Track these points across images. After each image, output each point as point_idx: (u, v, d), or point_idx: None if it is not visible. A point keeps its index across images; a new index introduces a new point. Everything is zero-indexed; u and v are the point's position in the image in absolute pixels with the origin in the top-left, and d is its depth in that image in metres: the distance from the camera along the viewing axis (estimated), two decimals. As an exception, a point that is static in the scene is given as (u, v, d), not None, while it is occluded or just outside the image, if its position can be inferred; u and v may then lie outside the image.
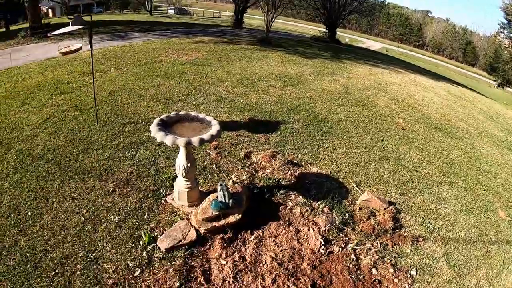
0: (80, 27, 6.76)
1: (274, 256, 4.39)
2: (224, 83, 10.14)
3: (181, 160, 4.54)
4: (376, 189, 5.94)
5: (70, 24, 6.53)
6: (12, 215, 4.94)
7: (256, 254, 4.41)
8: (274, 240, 4.62)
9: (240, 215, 4.58)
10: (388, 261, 4.53)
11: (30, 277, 4.16)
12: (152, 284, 3.99)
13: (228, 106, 8.38)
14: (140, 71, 10.81)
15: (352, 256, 4.52)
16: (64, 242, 4.53)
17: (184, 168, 4.52)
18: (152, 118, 7.40)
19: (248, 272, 4.21)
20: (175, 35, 18.32)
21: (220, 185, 4.60)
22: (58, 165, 5.89)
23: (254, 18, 42.74)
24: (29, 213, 4.96)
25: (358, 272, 4.36)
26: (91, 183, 5.45)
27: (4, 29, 19.63)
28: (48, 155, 6.13)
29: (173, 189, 5.12)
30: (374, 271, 4.37)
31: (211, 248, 4.43)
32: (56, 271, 4.18)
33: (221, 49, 15.28)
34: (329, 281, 4.23)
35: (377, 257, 4.55)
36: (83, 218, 4.85)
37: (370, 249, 4.65)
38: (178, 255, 4.25)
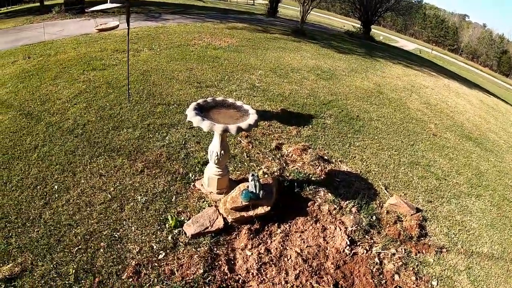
0: (118, 4, 6.75)
1: (299, 251, 4.31)
2: (257, 72, 10.03)
3: (214, 146, 4.47)
4: (404, 194, 5.78)
5: (109, 1, 6.50)
6: (39, 187, 4.98)
7: (281, 248, 4.34)
8: (300, 235, 4.54)
9: (269, 207, 4.49)
10: (411, 268, 4.41)
11: (52, 250, 4.18)
12: (175, 269, 3.96)
13: (261, 95, 8.28)
14: (173, 53, 10.80)
15: (376, 259, 4.42)
16: (89, 218, 4.54)
17: (217, 155, 4.46)
18: (184, 101, 7.38)
19: (272, 265, 4.15)
20: (209, 19, 18.25)
21: (252, 175, 4.52)
22: (87, 141, 5.92)
23: (288, 8, 42.23)
24: (56, 187, 4.99)
25: (381, 276, 4.26)
26: (120, 162, 5.45)
27: (38, 4, 19.88)
28: (77, 130, 6.17)
29: (202, 175, 5.08)
30: (396, 277, 4.26)
31: (237, 238, 4.38)
32: (80, 247, 4.20)
33: (255, 37, 15.15)
34: (351, 282, 4.15)
35: (400, 263, 4.44)
36: (109, 196, 4.85)
37: (394, 254, 4.54)
38: (204, 242, 4.21)
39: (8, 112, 6.92)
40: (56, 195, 4.87)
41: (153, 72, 8.90)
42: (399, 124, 8.49)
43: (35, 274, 3.99)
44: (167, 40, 12.23)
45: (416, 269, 4.42)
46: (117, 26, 8.11)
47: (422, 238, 4.91)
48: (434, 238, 5.00)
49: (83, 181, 5.10)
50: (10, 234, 4.39)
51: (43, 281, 3.91)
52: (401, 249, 4.64)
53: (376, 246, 4.57)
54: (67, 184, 5.04)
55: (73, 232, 4.36)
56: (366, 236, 4.70)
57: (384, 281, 4.21)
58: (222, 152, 4.46)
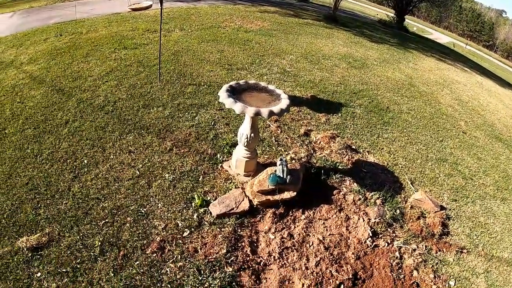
0: None
1: (321, 239, 4.32)
2: (289, 57, 9.95)
3: (245, 129, 4.48)
4: (430, 190, 5.68)
5: None
6: (68, 161, 5.12)
7: (304, 234, 4.36)
8: (323, 223, 4.54)
9: (295, 193, 4.50)
10: (430, 266, 4.36)
11: (79, 222, 4.31)
12: (199, 247, 4.02)
13: (292, 80, 8.22)
14: (204, 34, 10.81)
15: (397, 253, 4.39)
16: (117, 193, 4.65)
17: (247, 138, 4.47)
18: (214, 82, 7.40)
19: (294, 250, 4.18)
20: (240, 1, 18.10)
21: (281, 160, 4.52)
22: (118, 118, 6.02)
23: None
24: (85, 161, 5.12)
25: (400, 271, 4.24)
26: (149, 139, 5.54)
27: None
28: (108, 107, 6.28)
29: (230, 156, 5.11)
30: (415, 273, 4.23)
31: (262, 221, 4.41)
32: (106, 220, 4.31)
33: (287, 21, 14.96)
34: (370, 274, 4.14)
35: (420, 259, 4.39)
36: (138, 172, 4.94)
37: (415, 250, 4.50)
38: (229, 222, 4.26)
39: (40, 88, 7.10)
40: (85, 169, 5.00)
41: (184, 53, 8.94)
42: (429, 118, 8.30)
43: (62, 244, 4.11)
44: (198, 21, 12.22)
45: (435, 267, 4.36)
46: (150, 6, 8.15)
47: (444, 237, 4.84)
48: (455, 237, 4.91)
49: (112, 157, 5.21)
50: (39, 205, 4.54)
51: (69, 252, 4.03)
52: (422, 245, 4.59)
53: (397, 240, 4.53)
54: (96, 159, 5.17)
55: (101, 205, 4.48)
56: (389, 229, 4.67)
57: (402, 275, 4.19)
58: (252, 135, 4.47)
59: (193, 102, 6.62)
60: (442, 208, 5.27)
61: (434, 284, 4.14)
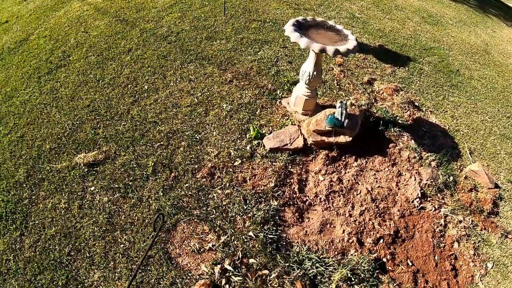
0: None
1: (369, 189, 4.25)
2: (359, 2, 9.34)
3: (308, 66, 4.34)
4: (487, 165, 5.35)
5: None
6: (129, 86, 5.25)
7: (353, 181, 4.31)
8: (374, 174, 4.45)
9: (350, 138, 4.39)
10: (472, 242, 4.19)
11: (135, 143, 4.47)
12: (248, 177, 4.08)
13: (360, 27, 7.82)
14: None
15: (442, 221, 4.25)
16: (174, 118, 4.74)
17: (309, 75, 4.34)
18: (280, 20, 7.17)
19: (341, 196, 4.15)
20: None
21: (341, 102, 4.39)
22: (180, 48, 6.03)
23: None
24: (146, 87, 5.22)
25: (441, 239, 4.13)
26: (210, 70, 5.53)
27: None
28: (171, 37, 6.28)
29: (290, 93, 5.03)
30: (455, 245, 4.10)
31: (313, 161, 4.38)
32: (161, 143, 4.44)
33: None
34: (411, 235, 4.07)
35: (463, 233, 4.22)
36: (196, 100, 4.99)
37: (460, 222, 4.32)
38: (280, 158, 4.25)
39: (104, 19, 7.18)
40: (145, 94, 5.12)
41: None
42: (500, 91, 7.69)
43: (117, 162, 4.32)
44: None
45: (477, 245, 4.20)
46: None
47: (492, 216, 4.59)
48: (503, 220, 4.64)
49: (172, 84, 5.27)
50: (98, 125, 4.74)
51: (123, 169, 4.23)
52: (469, 219, 4.40)
53: (445, 208, 4.37)
54: (156, 85, 5.25)
55: (157, 129, 4.61)
56: (438, 195, 4.49)
57: (443, 244, 4.09)
58: (315, 73, 4.33)
59: (256, 37, 6.47)
60: (496, 186, 4.97)
61: (472, 261, 4.02)
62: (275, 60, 5.91)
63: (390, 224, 4.03)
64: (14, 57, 6.78)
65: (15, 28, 8.12)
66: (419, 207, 4.29)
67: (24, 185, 4.33)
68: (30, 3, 9.18)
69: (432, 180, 4.53)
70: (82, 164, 4.32)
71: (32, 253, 3.77)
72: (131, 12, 7.34)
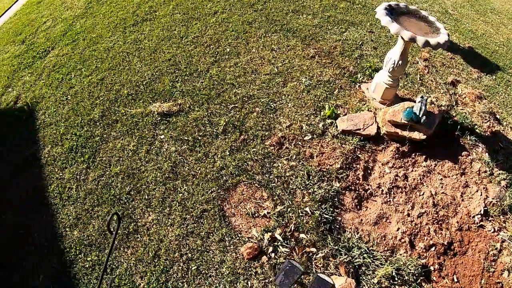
0: None
1: (433, 193, 4.11)
2: (454, -2, 8.88)
3: (394, 54, 4.19)
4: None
5: None
6: (211, 46, 5.34)
7: (419, 181, 4.18)
8: (441, 179, 4.29)
9: (425, 136, 4.22)
10: None
11: (210, 101, 4.57)
12: (315, 154, 4.07)
13: (452, 24, 7.42)
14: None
15: (498, 245, 4.00)
16: (252, 84, 4.79)
17: (394, 63, 4.19)
18: (370, 3, 6.92)
19: (404, 193, 4.06)
20: None
21: (422, 97, 4.23)
22: (266, 17, 6.03)
23: None
24: (227, 49, 5.28)
25: (492, 263, 3.90)
26: (293, 43, 5.51)
27: None
28: (258, 5, 6.29)
29: (370, 79, 4.92)
30: (505, 273, 3.85)
31: (383, 152, 4.29)
32: (236, 105, 4.50)
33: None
34: (464, 251, 3.90)
35: None
36: (276, 70, 5.00)
37: None
38: (351, 141, 4.19)
39: None
40: (226, 57, 5.19)
41: None
42: None
43: (189, 116, 4.44)
44: None
45: None
46: None
47: None
48: None
49: (254, 51, 5.31)
50: (177, 79, 4.89)
51: (194, 124, 4.35)
52: None
53: (504, 232, 4.12)
54: (238, 50, 5.30)
55: (234, 91, 4.68)
56: (501, 217, 4.22)
57: (492, 270, 3.87)
58: (400, 62, 4.17)
59: (344, 17, 6.33)
60: None
61: (518, 295, 3.80)
62: (360, 43, 5.77)
63: (445, 234, 3.89)
64: (102, 7, 7.07)
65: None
66: (478, 224, 4.08)
67: (98, 124, 4.57)
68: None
69: (498, 200, 4.29)
70: (156, 113, 4.49)
71: (94, 186, 3.99)
72: (219, -25, 7.43)
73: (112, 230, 3.17)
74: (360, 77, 5.11)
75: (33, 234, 3.79)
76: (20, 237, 3.79)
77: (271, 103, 4.59)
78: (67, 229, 3.79)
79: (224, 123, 4.34)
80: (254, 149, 4.10)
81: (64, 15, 7.63)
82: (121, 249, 3.55)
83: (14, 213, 4.02)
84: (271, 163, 3.99)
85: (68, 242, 3.69)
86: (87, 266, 3.50)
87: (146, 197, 3.84)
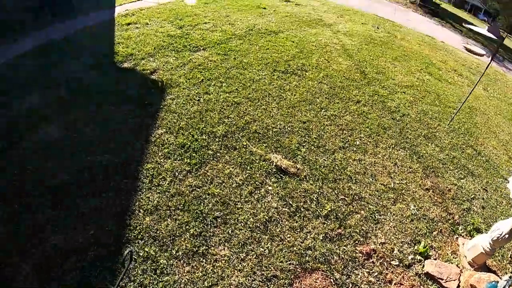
0: (492, 37, 6.78)
1: None
2: None
3: (504, 226, 4.25)
4: None
5: (487, 29, 6.58)
6: (344, 131, 6.10)
7: None
8: None
9: (501, 316, 4.31)
10: None
11: (325, 181, 5.04)
12: (394, 281, 4.19)
13: None
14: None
15: None
16: (367, 187, 5.22)
17: (500, 235, 4.24)
18: (493, 159, 6.96)
19: None
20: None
21: (510, 277, 4.31)
22: (400, 130, 6.67)
23: None
24: (357, 142, 6.01)
25: None
26: (415, 167, 5.90)
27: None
28: (396, 114, 7.06)
29: (468, 236, 5.06)
30: None
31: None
32: (346, 198, 4.92)
33: None
34: None
35: None
36: (392, 185, 5.38)
37: None
38: (430, 286, 4.26)
39: (347, 60, 8.33)
40: (354, 149, 5.82)
41: (479, 113, 8.59)
42: None
43: (302, 184, 4.89)
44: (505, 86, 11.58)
45: None
46: (483, 55, 8.21)
47: None
48: None
49: (379, 156, 5.86)
50: (304, 144, 5.53)
51: (303, 194, 4.79)
52: None
53: None
54: (366, 148, 5.93)
55: (349, 184, 5.15)
56: None
57: None
58: (507, 236, 4.24)
59: (466, 164, 6.47)
60: None
61: None
62: (471, 196, 5.79)
63: None
64: (260, 39, 8.16)
65: (270, 17, 9.71)
66: None
67: (217, 140, 5.23)
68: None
69: None
70: (274, 163, 5.00)
71: (187, 192, 4.40)
72: (371, 68, 8.13)
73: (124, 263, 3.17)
74: (461, 230, 5.09)
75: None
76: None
77: (376, 214, 4.78)
78: (140, 211, 4.12)
79: (329, 209, 4.60)
80: (344, 247, 4.24)
81: (224, 27, 8.62)
82: (180, 261, 3.72)
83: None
84: (353, 268, 4.10)
85: (135, 223, 3.99)
86: (136, 257, 3.68)
87: (230, 232, 4.07)
